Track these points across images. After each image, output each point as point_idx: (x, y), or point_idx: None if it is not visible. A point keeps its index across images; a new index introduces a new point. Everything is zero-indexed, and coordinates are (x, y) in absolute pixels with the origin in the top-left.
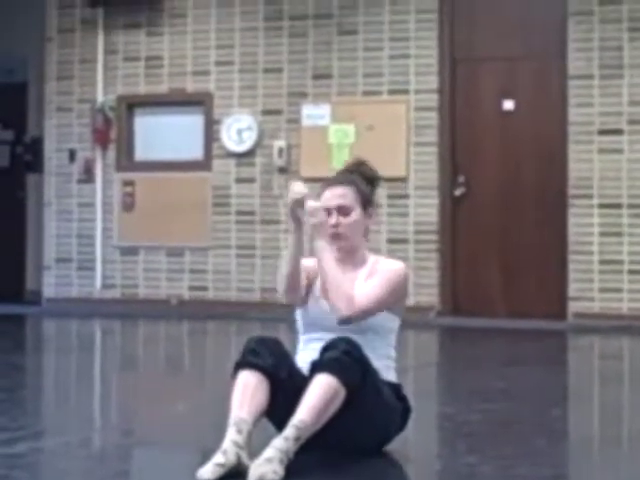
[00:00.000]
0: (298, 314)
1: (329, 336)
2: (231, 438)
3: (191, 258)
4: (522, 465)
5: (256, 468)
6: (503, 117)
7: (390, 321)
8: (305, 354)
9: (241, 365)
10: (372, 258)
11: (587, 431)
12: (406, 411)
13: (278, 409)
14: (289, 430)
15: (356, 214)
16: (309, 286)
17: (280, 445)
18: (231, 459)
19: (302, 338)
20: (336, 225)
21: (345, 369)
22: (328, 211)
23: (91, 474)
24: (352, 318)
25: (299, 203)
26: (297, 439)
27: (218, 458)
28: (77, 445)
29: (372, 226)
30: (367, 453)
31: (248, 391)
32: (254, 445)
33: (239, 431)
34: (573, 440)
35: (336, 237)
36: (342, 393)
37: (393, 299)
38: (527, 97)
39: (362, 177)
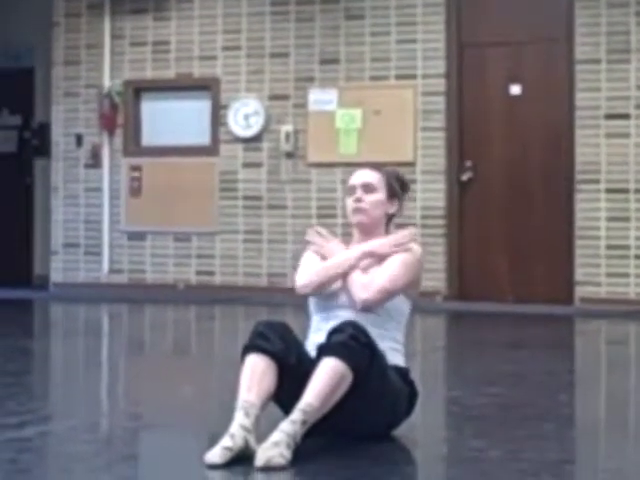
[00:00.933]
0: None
1: (342, 313)
2: (239, 422)
3: (198, 243)
4: (529, 449)
5: (264, 452)
6: (510, 102)
7: (403, 303)
8: (316, 336)
9: (250, 349)
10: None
11: (594, 416)
12: (413, 395)
13: (286, 393)
14: (296, 414)
15: (380, 195)
16: None
17: (287, 429)
18: (239, 443)
19: (315, 318)
20: (358, 200)
21: (352, 353)
22: (353, 190)
23: (99, 458)
24: (371, 302)
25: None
26: (304, 423)
27: (226, 442)
28: (85, 429)
29: (394, 216)
30: (374, 437)
31: (256, 375)
32: (261, 429)
33: (247, 415)
34: (580, 425)
35: (357, 211)
36: (349, 377)
37: (409, 282)
38: (534, 82)
39: (394, 176)
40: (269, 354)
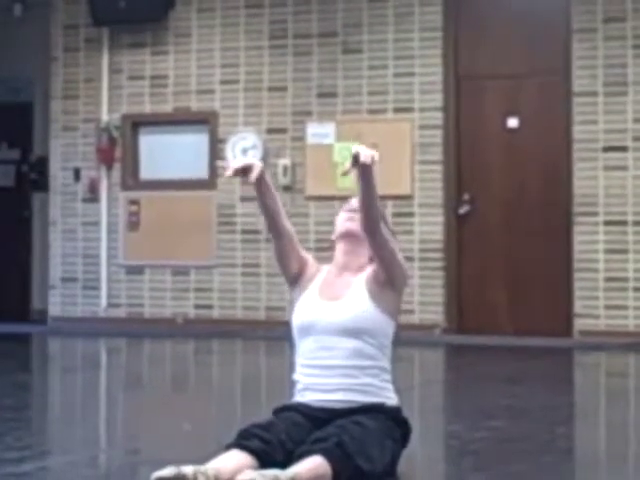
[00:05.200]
0: (293, 317)
1: (326, 340)
2: (196, 465)
3: (196, 277)
4: None
5: (249, 473)
6: (508, 135)
7: (386, 324)
8: (307, 376)
9: (231, 446)
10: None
11: (593, 449)
12: (407, 433)
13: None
14: (287, 473)
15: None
16: (301, 275)
17: (277, 473)
18: (188, 469)
19: (299, 344)
20: (350, 219)
21: (337, 460)
22: (350, 207)
23: None
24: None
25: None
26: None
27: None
28: (83, 464)
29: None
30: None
31: (229, 458)
32: None
33: (206, 468)
34: (579, 458)
35: (348, 233)
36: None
37: (398, 260)
38: (532, 114)
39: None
40: (249, 451)
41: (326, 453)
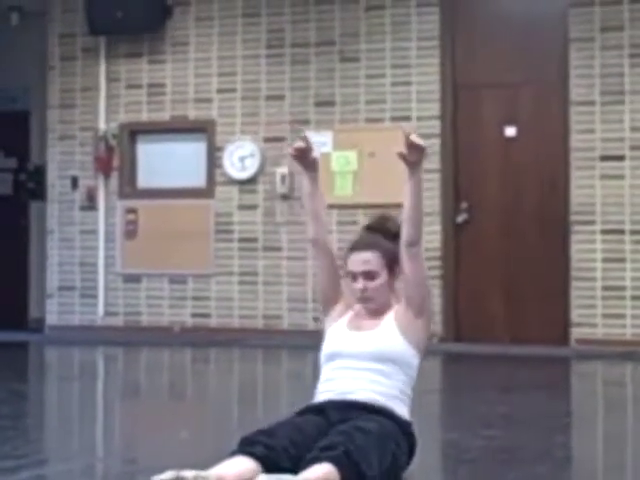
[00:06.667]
0: (323, 347)
1: (350, 363)
2: (196, 470)
3: (194, 285)
4: None
5: (261, 477)
6: (505, 143)
7: (412, 356)
8: (325, 386)
9: (235, 453)
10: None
11: (590, 457)
12: (412, 445)
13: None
14: (294, 477)
15: (382, 278)
16: (334, 305)
17: (288, 478)
18: (188, 474)
19: (323, 370)
20: (363, 290)
21: (345, 468)
22: (354, 276)
23: None
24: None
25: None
26: None
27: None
28: (80, 473)
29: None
30: None
31: (232, 464)
32: None
33: (207, 474)
34: (576, 467)
35: (364, 300)
36: None
37: (426, 279)
38: (529, 123)
39: (387, 234)
40: (253, 457)
41: (335, 461)
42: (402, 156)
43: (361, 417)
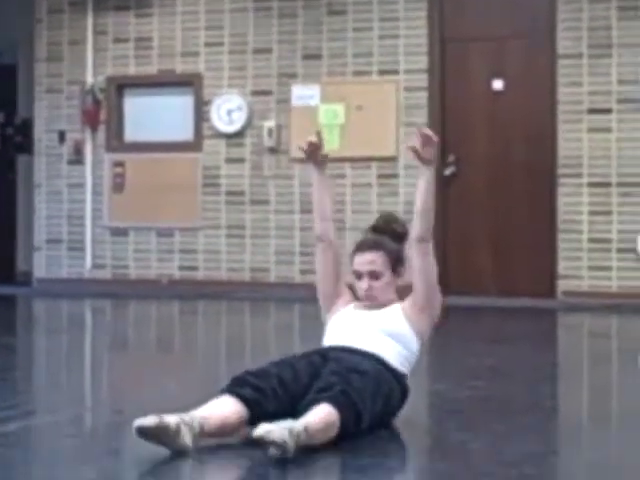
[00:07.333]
0: (328, 324)
1: (357, 332)
2: (180, 414)
3: (181, 238)
4: (512, 442)
5: (265, 425)
6: (493, 97)
7: (412, 338)
8: (329, 342)
9: (223, 392)
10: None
11: (577, 408)
12: (403, 398)
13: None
14: (298, 422)
15: (386, 278)
16: (335, 300)
17: (291, 424)
18: (171, 419)
19: (326, 334)
20: (368, 289)
21: (343, 408)
22: (359, 275)
23: (82, 452)
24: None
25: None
26: (305, 431)
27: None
28: (68, 424)
29: (401, 285)
30: (361, 430)
31: (217, 405)
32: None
33: (191, 417)
34: (563, 417)
35: (368, 299)
36: (336, 428)
37: (435, 278)
38: (516, 77)
39: (393, 235)
40: (241, 399)
41: (333, 401)
42: (416, 153)
43: (356, 357)
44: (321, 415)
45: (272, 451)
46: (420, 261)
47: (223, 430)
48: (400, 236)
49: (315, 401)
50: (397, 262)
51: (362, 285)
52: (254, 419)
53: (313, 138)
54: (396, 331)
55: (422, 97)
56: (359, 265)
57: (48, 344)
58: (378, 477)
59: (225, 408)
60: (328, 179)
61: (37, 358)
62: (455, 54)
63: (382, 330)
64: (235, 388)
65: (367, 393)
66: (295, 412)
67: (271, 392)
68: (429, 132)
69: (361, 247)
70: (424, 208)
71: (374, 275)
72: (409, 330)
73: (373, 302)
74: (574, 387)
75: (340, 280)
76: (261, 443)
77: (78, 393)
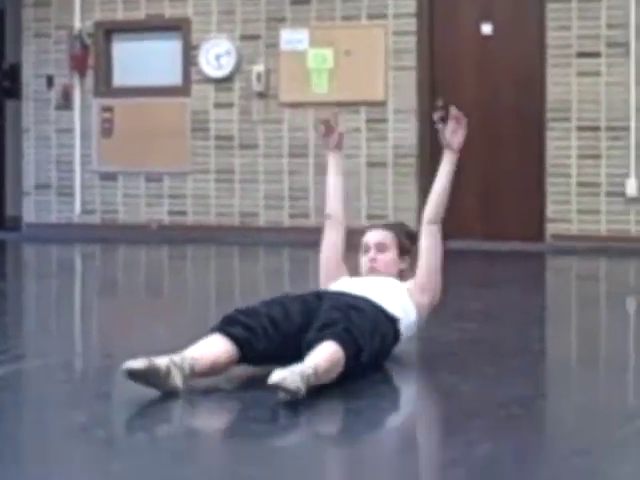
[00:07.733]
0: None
1: (355, 286)
2: (169, 355)
3: (170, 183)
4: (502, 385)
5: (279, 372)
6: (481, 41)
7: (410, 307)
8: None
9: (213, 330)
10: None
11: (565, 351)
12: (395, 341)
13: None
14: (307, 364)
15: (392, 254)
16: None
17: (300, 368)
18: (161, 361)
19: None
20: (373, 259)
21: (347, 345)
22: (367, 248)
23: (72, 396)
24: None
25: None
26: (314, 374)
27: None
28: (58, 368)
29: (405, 270)
30: (351, 373)
31: (207, 344)
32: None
33: (182, 358)
34: (551, 360)
35: (371, 270)
36: (340, 367)
37: (439, 262)
38: (505, 21)
39: (404, 232)
40: (231, 337)
41: (337, 337)
42: (446, 141)
43: (353, 299)
44: (326, 355)
45: (283, 395)
46: (428, 241)
47: (213, 370)
48: (408, 236)
49: (318, 339)
50: (404, 249)
51: (369, 255)
52: (244, 358)
53: (329, 118)
54: (397, 297)
55: (411, 41)
56: (368, 238)
57: (38, 289)
58: (373, 418)
59: (215, 348)
60: (342, 163)
61: (27, 303)
62: None
63: (381, 289)
64: (226, 327)
65: (366, 329)
66: (286, 350)
67: (261, 331)
68: (460, 114)
69: (374, 226)
70: (442, 191)
71: (381, 247)
72: (408, 300)
73: (375, 274)
74: (562, 330)
75: (342, 261)
76: (274, 389)
77: (68, 338)
